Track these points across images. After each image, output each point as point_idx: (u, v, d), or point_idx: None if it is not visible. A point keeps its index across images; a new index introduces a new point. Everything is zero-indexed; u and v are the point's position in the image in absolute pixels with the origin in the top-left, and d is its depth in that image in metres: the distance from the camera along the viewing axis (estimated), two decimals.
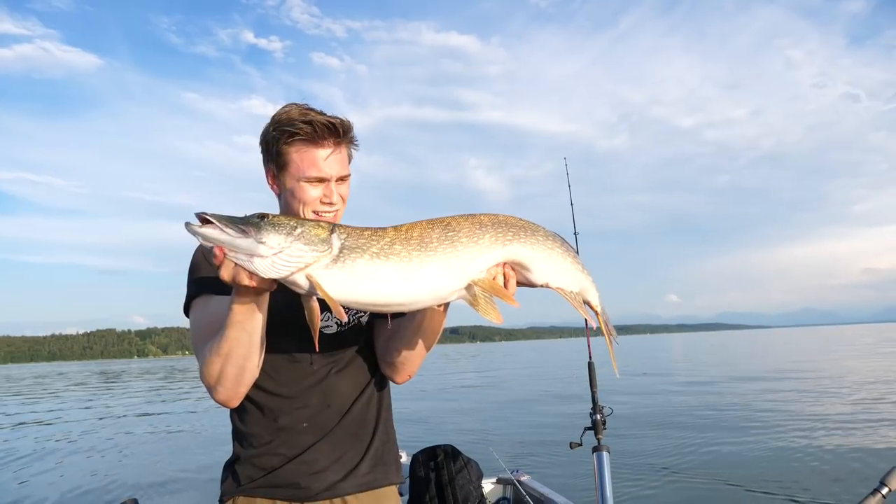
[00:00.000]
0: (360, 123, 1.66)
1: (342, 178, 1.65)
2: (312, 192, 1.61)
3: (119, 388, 31.29)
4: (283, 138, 1.60)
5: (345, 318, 1.31)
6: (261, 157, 1.70)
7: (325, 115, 1.62)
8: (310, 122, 1.58)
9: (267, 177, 1.69)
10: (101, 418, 17.09)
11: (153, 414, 18.00)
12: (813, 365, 24.17)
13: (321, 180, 1.61)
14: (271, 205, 1.71)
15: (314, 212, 1.62)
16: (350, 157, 1.70)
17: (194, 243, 1.62)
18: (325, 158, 1.60)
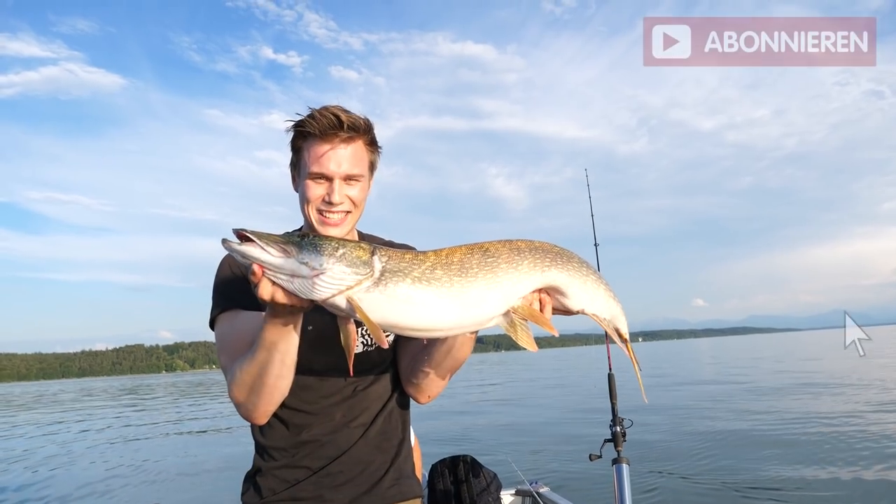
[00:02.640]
0: (379, 135, 1.60)
1: (351, 178, 1.56)
2: (316, 191, 1.54)
3: (147, 401, 31.66)
4: (296, 134, 1.56)
5: (386, 345, 1.29)
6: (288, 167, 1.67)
7: (344, 112, 1.53)
8: (315, 117, 1.52)
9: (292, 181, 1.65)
10: (126, 426, 17.30)
11: (178, 421, 18.20)
12: (842, 370, 23.61)
13: (324, 177, 1.53)
14: (293, 217, 1.67)
15: (318, 211, 1.55)
16: (370, 161, 1.62)
17: (219, 258, 1.61)
18: (327, 153, 1.51)
